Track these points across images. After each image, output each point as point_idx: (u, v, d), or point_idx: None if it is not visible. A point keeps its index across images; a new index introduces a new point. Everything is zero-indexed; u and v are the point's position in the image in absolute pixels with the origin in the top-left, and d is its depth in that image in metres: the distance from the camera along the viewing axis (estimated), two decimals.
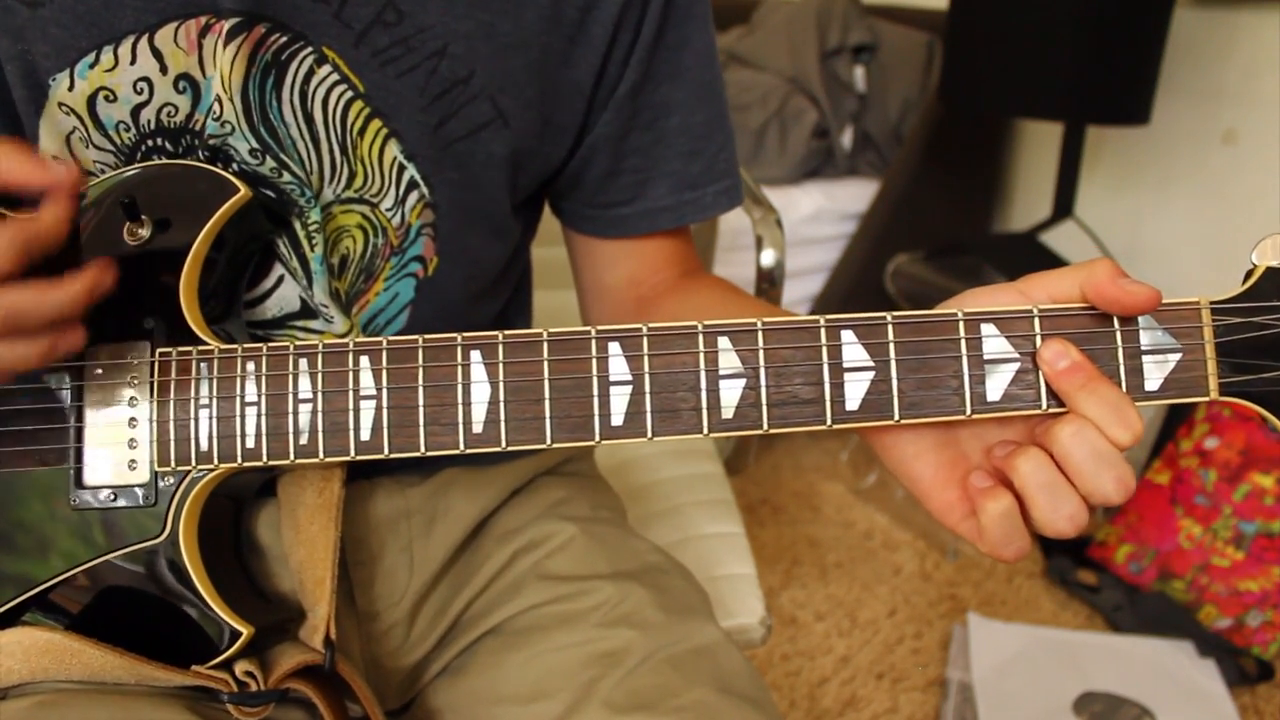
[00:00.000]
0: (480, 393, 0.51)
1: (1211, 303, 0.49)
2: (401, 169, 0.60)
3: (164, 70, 0.55)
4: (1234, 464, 1.72)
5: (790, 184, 2.34)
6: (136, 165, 0.57)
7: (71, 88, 0.55)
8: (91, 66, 0.54)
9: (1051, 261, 1.96)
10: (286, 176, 0.58)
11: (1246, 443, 1.72)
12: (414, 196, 0.61)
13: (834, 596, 1.80)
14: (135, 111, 0.56)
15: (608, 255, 0.74)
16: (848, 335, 0.50)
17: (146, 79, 0.55)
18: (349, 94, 0.57)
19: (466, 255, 0.65)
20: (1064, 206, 2.02)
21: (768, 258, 1.25)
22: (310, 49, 0.56)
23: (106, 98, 0.55)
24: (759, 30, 2.55)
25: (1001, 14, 1.84)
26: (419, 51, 0.57)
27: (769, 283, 1.26)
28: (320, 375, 0.52)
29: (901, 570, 1.88)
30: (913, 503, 2.06)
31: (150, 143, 0.57)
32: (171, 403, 0.53)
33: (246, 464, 0.53)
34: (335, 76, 0.57)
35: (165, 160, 0.57)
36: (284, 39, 0.55)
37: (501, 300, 0.74)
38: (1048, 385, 0.49)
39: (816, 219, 2.27)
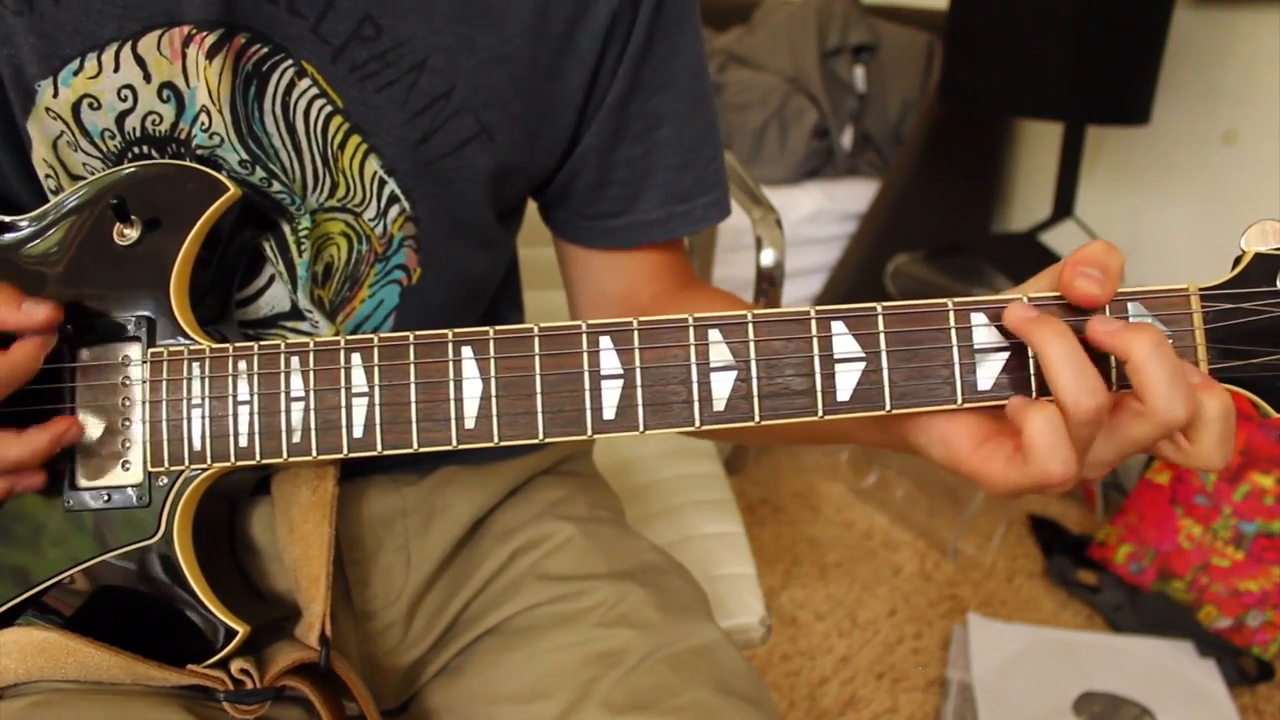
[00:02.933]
0: (472, 388, 0.51)
1: (1200, 289, 0.49)
2: (382, 183, 0.60)
3: (147, 78, 0.55)
4: (1234, 464, 1.72)
5: (790, 184, 2.34)
6: (126, 165, 0.56)
7: (56, 94, 0.54)
8: (76, 73, 0.54)
9: (1051, 261, 1.95)
10: (276, 186, 0.58)
11: (1246, 443, 1.72)
12: (395, 210, 0.60)
13: (834, 596, 1.80)
14: (120, 119, 0.56)
15: (602, 267, 0.73)
16: (838, 326, 0.50)
17: (130, 86, 0.55)
18: (328, 109, 0.57)
19: (451, 266, 0.65)
20: (1064, 206, 2.02)
21: (768, 258, 1.25)
22: (290, 61, 0.56)
23: (91, 105, 0.55)
24: (759, 30, 2.55)
25: (1001, 14, 1.84)
26: (398, 66, 0.57)
27: (769, 283, 1.26)
28: (312, 373, 0.52)
29: (901, 570, 1.88)
30: (913, 502, 2.06)
31: (136, 150, 0.57)
32: (164, 403, 0.53)
33: (240, 463, 0.53)
34: (315, 90, 0.57)
35: (155, 160, 0.57)
36: (264, 50, 0.55)
37: (487, 300, 0.74)
38: (1037, 374, 0.48)
39: (816, 219, 2.27)
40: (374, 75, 0.57)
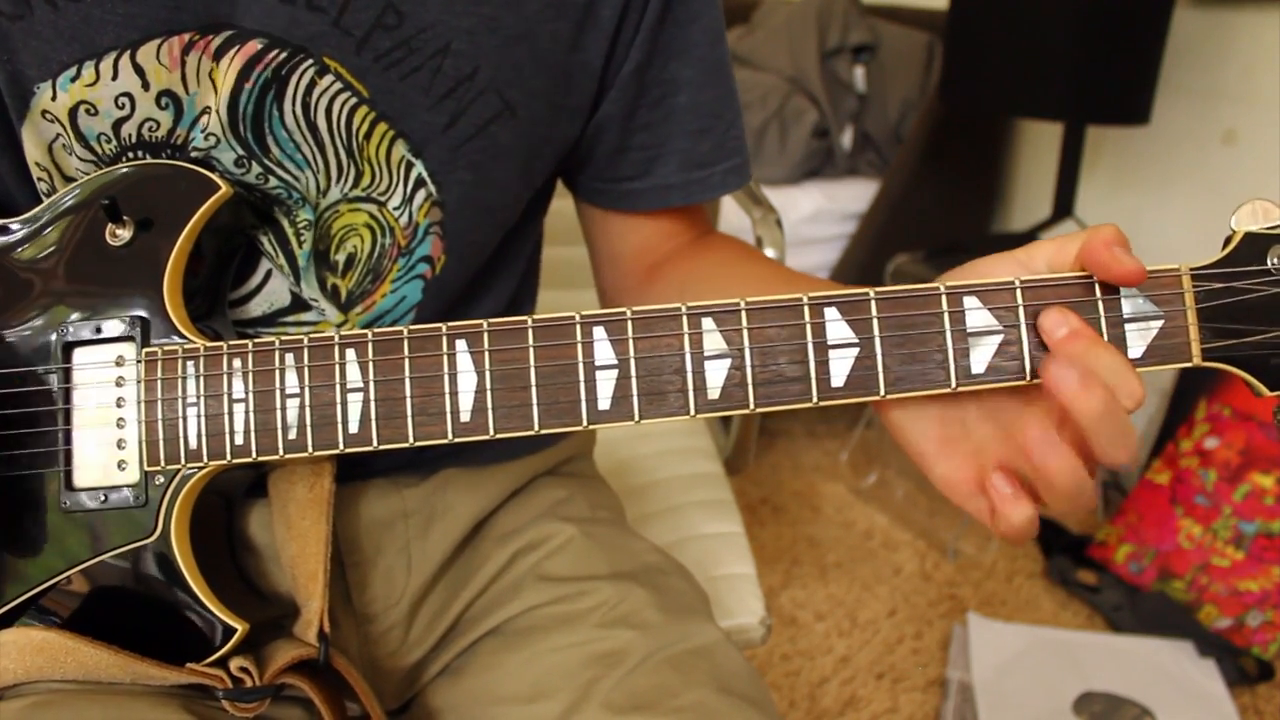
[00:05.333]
0: (467, 381, 0.51)
1: (1191, 269, 0.48)
2: (409, 166, 0.59)
3: (146, 86, 0.54)
4: (1234, 464, 1.72)
5: (790, 184, 2.34)
6: (118, 166, 0.56)
7: (54, 98, 0.54)
8: (73, 80, 0.54)
9: None
10: (273, 181, 0.58)
11: (1246, 443, 1.71)
12: (421, 194, 0.60)
13: (834, 596, 1.80)
14: (117, 125, 0.55)
15: (620, 226, 0.74)
16: (831, 313, 0.49)
17: (128, 94, 0.54)
18: (353, 100, 0.57)
19: (474, 251, 0.65)
20: (1064, 206, 2.02)
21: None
22: (310, 61, 0.55)
23: (88, 111, 0.55)
24: (759, 30, 2.55)
25: (1001, 14, 1.84)
26: (421, 52, 0.57)
27: None
28: (306, 370, 0.52)
29: (901, 570, 1.88)
30: (913, 502, 2.06)
31: (131, 155, 0.56)
32: (159, 402, 0.53)
33: (236, 461, 0.53)
34: (338, 85, 0.56)
35: (147, 160, 0.56)
36: (283, 54, 0.55)
37: (509, 291, 0.74)
38: (1031, 356, 0.48)
39: (816, 219, 2.27)
40: (399, 63, 0.57)
